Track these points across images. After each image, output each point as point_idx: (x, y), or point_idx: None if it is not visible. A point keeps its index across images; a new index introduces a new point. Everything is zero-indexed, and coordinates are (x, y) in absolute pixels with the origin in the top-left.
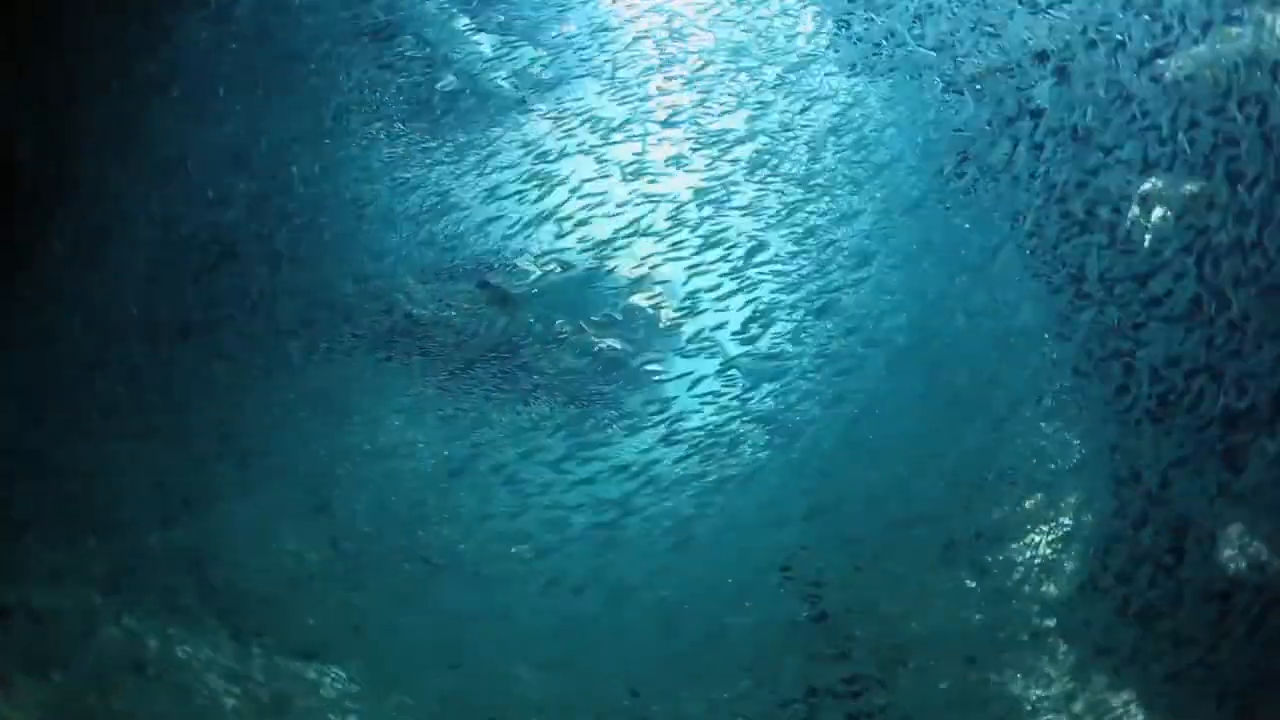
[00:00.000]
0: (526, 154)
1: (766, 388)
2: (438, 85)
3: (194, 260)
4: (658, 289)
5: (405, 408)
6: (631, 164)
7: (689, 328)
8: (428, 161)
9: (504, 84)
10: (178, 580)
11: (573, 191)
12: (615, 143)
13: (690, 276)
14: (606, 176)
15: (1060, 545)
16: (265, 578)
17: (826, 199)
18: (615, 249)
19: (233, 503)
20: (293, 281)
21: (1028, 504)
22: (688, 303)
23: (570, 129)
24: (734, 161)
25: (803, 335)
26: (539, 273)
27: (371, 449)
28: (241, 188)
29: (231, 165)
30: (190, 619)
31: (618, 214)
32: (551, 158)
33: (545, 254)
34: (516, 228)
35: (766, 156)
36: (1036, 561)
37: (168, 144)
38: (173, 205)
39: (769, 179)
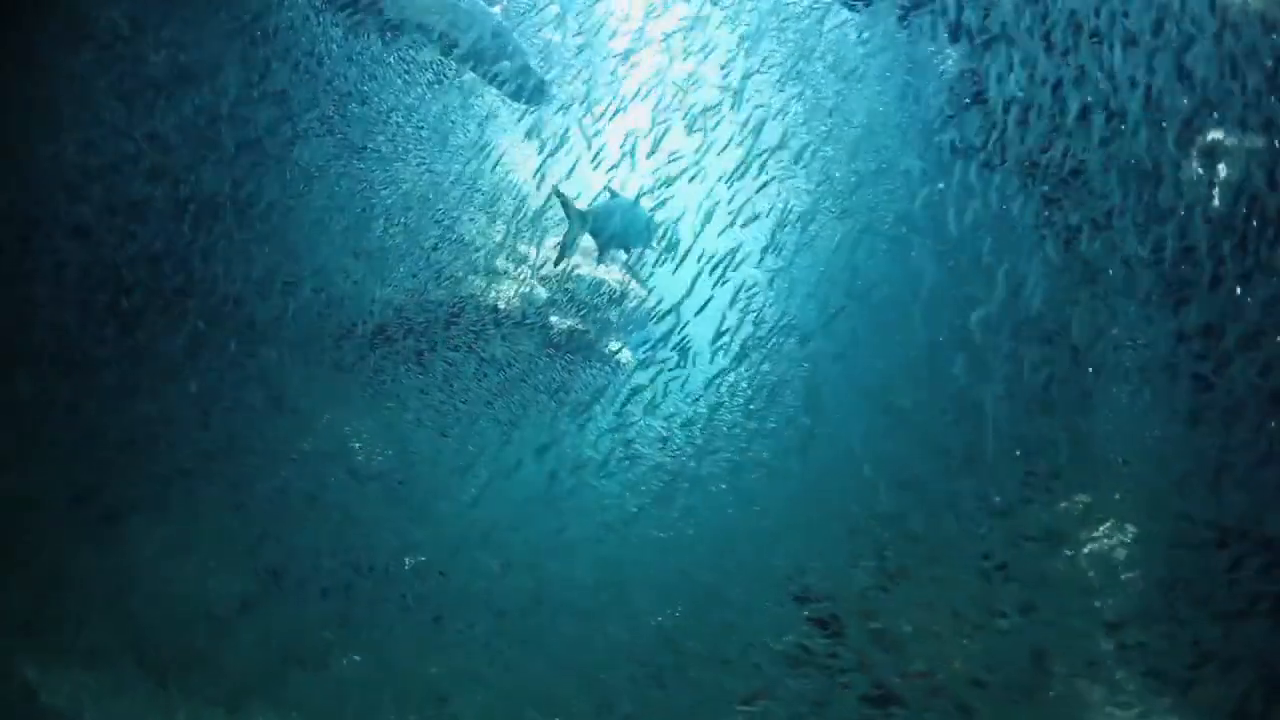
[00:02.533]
0: (480, 127)
1: (755, 381)
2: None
3: (113, 258)
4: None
5: (345, 407)
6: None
7: (662, 307)
8: (367, 138)
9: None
10: (93, 619)
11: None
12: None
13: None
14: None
15: (1116, 558)
16: (189, 613)
17: (821, 177)
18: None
19: (155, 527)
20: (220, 273)
21: (1076, 511)
22: (662, 288)
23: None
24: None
25: (794, 323)
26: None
27: (304, 457)
28: (159, 181)
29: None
30: (105, 665)
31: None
32: (512, 131)
33: (505, 236)
34: (469, 209)
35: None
36: (1088, 578)
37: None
38: (90, 203)
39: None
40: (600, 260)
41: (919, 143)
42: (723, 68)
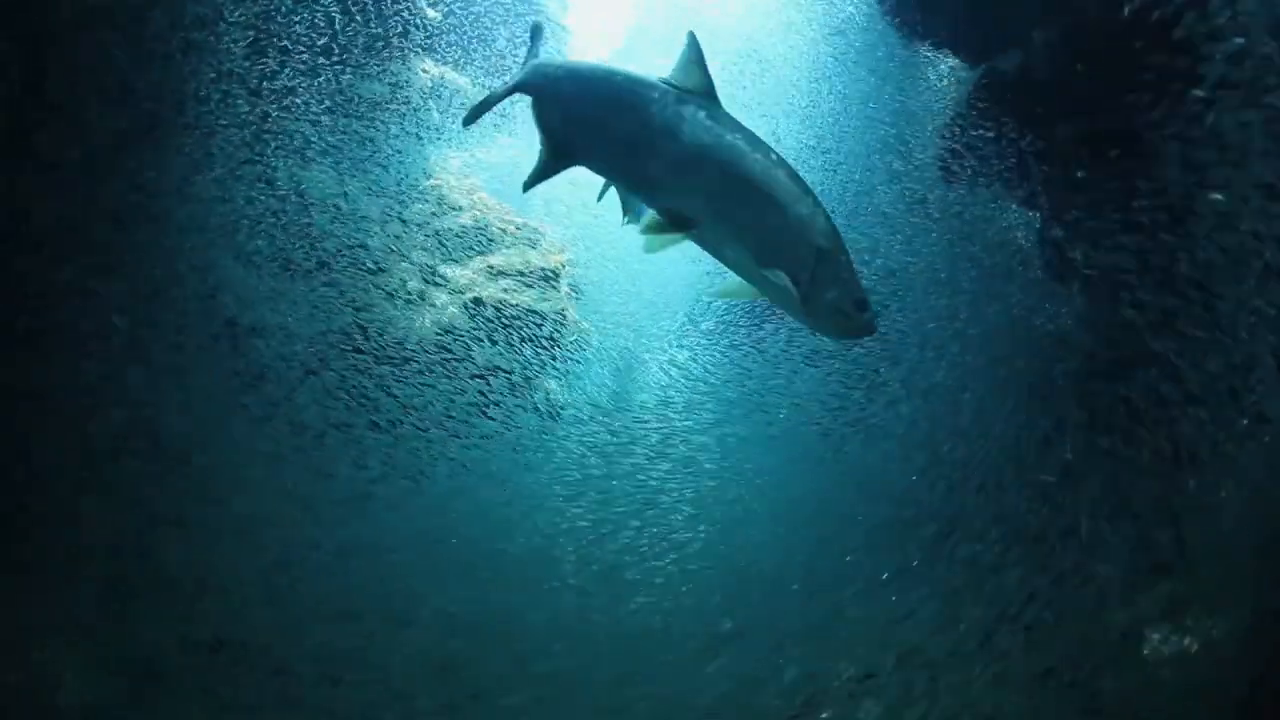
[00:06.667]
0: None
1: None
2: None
3: None
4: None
5: (229, 453)
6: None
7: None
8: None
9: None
10: None
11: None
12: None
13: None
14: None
15: (1208, 659)
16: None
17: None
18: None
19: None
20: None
21: (1159, 602)
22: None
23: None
24: None
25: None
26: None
27: (191, 518)
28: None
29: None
30: None
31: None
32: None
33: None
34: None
35: None
36: (1177, 680)
37: None
38: None
39: None
40: (626, 219)
41: None
42: None
